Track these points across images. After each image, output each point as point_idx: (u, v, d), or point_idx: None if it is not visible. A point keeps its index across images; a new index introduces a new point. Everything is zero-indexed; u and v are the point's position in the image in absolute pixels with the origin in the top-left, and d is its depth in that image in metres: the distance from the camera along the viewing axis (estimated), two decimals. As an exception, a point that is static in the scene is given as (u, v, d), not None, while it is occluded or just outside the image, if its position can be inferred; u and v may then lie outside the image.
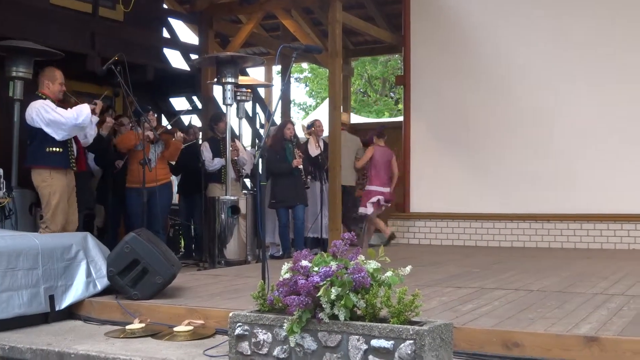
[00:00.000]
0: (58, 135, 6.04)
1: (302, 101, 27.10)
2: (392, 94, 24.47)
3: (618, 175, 9.11)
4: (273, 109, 9.71)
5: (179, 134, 7.99)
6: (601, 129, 9.28)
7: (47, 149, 6.08)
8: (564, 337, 3.68)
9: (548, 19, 9.73)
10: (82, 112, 6.03)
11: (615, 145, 9.19)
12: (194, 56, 10.90)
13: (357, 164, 9.66)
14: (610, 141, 9.22)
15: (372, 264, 3.54)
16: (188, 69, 11.14)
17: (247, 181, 10.38)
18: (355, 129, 11.81)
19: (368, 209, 9.49)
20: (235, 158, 8.50)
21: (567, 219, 9.34)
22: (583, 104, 9.41)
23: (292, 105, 19.67)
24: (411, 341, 3.24)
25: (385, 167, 9.60)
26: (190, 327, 4.32)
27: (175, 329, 4.33)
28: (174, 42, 11.50)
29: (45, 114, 6.01)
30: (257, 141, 11.33)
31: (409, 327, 3.29)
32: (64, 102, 6.41)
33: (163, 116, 11.50)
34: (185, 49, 11.65)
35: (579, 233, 9.27)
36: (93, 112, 6.10)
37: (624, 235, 9.06)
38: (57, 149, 6.12)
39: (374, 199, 9.44)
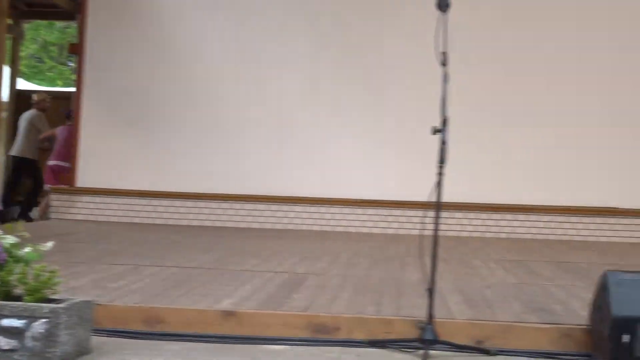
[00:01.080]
0: None
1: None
2: (69, 63, 23.35)
3: (295, 159, 9.63)
4: None
5: None
6: (276, 111, 9.75)
7: None
8: (205, 312, 3.82)
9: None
10: None
11: (300, 129, 9.70)
12: None
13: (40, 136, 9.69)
14: (288, 124, 9.72)
15: (10, 239, 3.34)
16: None
17: None
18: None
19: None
20: None
21: (239, 199, 9.66)
22: (260, 89, 9.80)
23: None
24: (45, 320, 3.11)
25: (64, 143, 10.09)
26: None
27: None
28: None
29: None
30: None
31: (43, 305, 3.15)
32: None
33: None
34: None
35: (242, 212, 9.67)
36: None
37: (280, 215, 9.65)
38: None
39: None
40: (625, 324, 3.32)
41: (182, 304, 3.98)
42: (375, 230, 9.50)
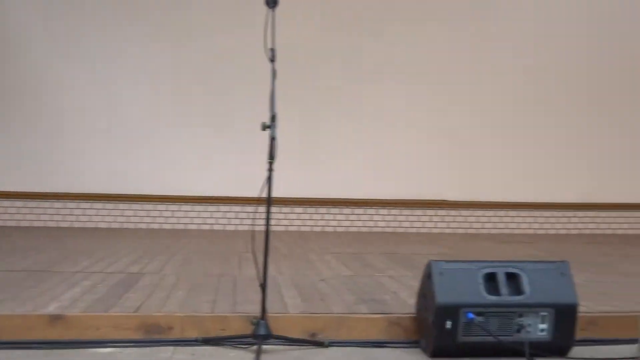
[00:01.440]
0: None
1: None
2: None
3: (132, 156, 9.33)
4: None
5: None
6: (113, 107, 9.42)
7: None
8: (28, 317, 3.63)
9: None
10: None
11: (141, 127, 9.39)
12: None
13: None
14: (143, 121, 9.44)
15: None
16: None
17: None
18: None
19: None
20: None
21: (73, 198, 9.26)
22: (94, 85, 9.42)
23: None
24: None
25: None
26: None
27: None
28: None
29: None
30: None
31: None
32: None
33: None
34: None
35: (77, 212, 9.30)
36: None
37: (117, 214, 9.37)
38: None
39: None
40: (448, 310, 3.49)
41: (3, 310, 3.76)
42: (216, 227, 9.44)
